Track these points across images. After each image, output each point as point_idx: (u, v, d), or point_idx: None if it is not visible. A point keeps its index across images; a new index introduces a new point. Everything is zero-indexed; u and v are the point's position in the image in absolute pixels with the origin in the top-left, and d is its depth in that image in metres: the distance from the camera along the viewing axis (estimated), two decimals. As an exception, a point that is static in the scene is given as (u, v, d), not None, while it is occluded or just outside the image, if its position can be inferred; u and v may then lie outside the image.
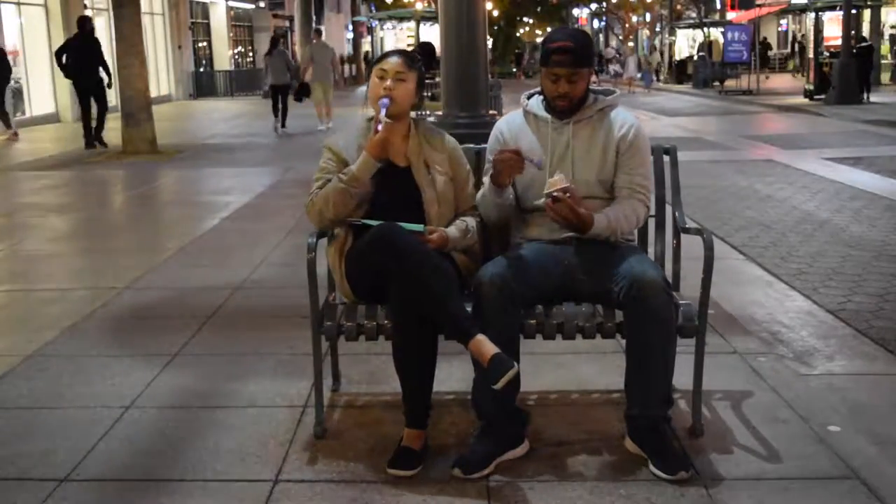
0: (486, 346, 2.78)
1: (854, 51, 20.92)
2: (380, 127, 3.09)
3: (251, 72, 29.58)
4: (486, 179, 3.22)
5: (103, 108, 14.06)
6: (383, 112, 3.12)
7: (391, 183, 3.18)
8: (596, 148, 3.17)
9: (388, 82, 3.16)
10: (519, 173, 3.06)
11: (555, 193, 2.96)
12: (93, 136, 13.83)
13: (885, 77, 26.94)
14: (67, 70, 13.45)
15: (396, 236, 2.92)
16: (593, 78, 3.21)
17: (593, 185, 3.17)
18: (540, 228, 3.22)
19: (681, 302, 3.06)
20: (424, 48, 8.66)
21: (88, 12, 21.99)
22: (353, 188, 3.09)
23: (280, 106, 16.45)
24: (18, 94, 19.14)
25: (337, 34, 45.45)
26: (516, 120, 3.33)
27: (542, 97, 3.26)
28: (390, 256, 2.89)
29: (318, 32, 18.62)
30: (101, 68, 13.87)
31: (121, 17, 13.03)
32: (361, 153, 3.16)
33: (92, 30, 14.04)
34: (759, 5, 37.07)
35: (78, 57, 13.55)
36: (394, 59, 3.21)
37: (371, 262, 2.98)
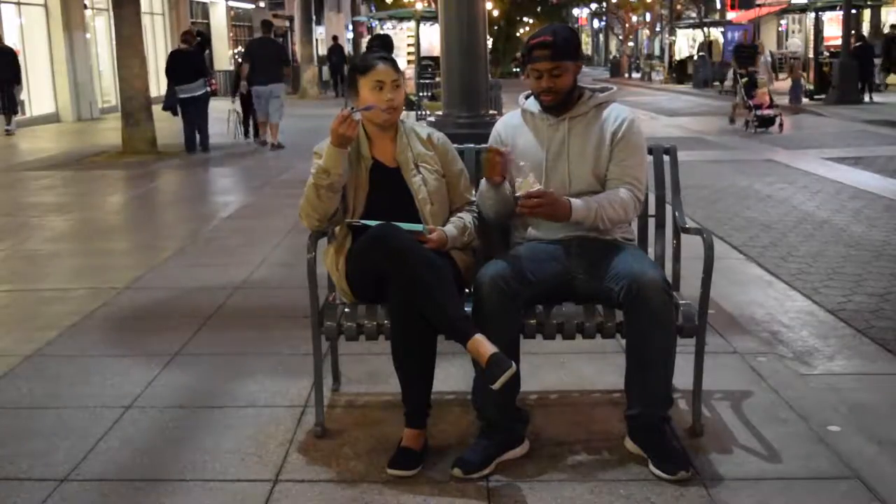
0: (485, 346, 2.77)
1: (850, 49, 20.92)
2: (356, 116, 3.05)
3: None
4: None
5: None
6: (358, 116, 3.09)
7: (384, 184, 3.19)
8: (591, 143, 3.17)
9: (389, 94, 3.16)
10: (505, 172, 3.07)
11: (530, 192, 2.95)
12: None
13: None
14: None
15: (394, 236, 2.92)
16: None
17: (589, 181, 3.17)
18: (540, 229, 3.22)
19: (681, 302, 3.06)
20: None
21: (88, 13, 22.06)
22: (323, 182, 3.06)
23: None
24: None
25: (337, 34, 45.47)
26: (514, 120, 3.33)
27: (537, 99, 3.26)
28: (388, 257, 2.89)
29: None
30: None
31: (121, 17, 13.04)
32: (362, 154, 3.18)
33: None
34: (759, 5, 37.08)
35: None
36: (385, 67, 3.18)
37: (370, 262, 2.98)
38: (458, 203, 3.31)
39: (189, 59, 12.90)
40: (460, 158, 3.39)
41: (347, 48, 42.48)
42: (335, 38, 31.41)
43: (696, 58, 32.57)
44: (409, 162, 3.22)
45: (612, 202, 3.10)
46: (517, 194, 2.98)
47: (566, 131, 3.19)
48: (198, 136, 13.08)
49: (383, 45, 3.55)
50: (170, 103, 13.12)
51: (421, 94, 17.25)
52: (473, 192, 3.36)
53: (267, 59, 13.23)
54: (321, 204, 3.10)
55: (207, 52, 13.68)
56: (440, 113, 4.86)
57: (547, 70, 3.10)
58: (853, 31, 23.31)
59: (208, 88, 12.94)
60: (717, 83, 28.64)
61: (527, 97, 3.32)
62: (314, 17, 33.21)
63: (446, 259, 3.09)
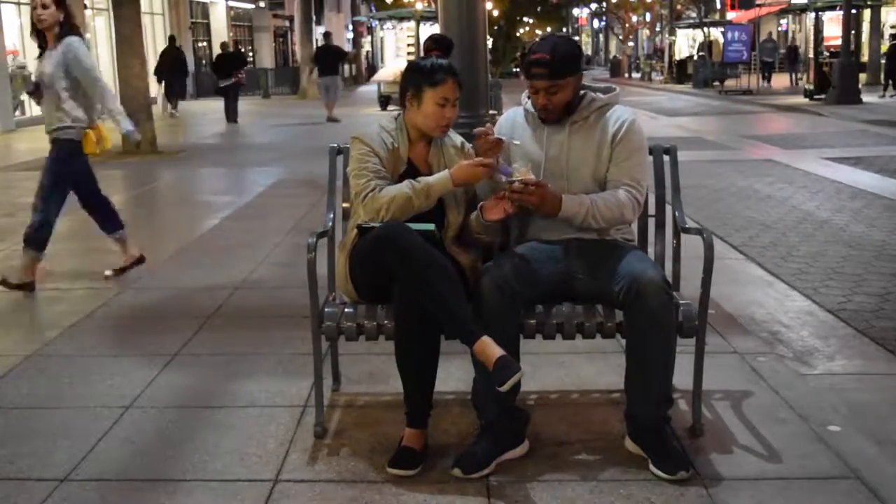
0: (492, 348, 2.77)
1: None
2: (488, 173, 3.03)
3: (251, 72, 29.65)
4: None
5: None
6: (504, 174, 3.04)
7: None
8: (591, 146, 3.17)
9: (449, 113, 3.15)
10: (496, 153, 3.08)
11: (524, 179, 2.96)
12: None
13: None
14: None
15: (403, 236, 2.91)
16: None
17: (587, 184, 3.16)
18: (540, 228, 3.22)
19: (681, 302, 3.06)
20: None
21: (88, 13, 22.04)
22: (419, 202, 3.03)
23: None
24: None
25: (337, 34, 45.43)
26: (517, 117, 3.33)
27: None
28: (395, 256, 2.88)
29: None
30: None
31: (121, 17, 13.05)
32: (403, 156, 3.18)
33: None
34: (759, 5, 37.12)
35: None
36: (454, 85, 3.14)
37: (376, 261, 2.97)
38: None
39: (227, 60, 19.40)
40: None
41: (348, 48, 42.80)
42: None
43: (696, 58, 32.55)
44: (441, 168, 3.20)
45: (607, 201, 3.10)
46: (509, 179, 2.98)
47: (566, 135, 3.18)
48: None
49: (444, 48, 3.31)
50: (215, 89, 19.83)
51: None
52: None
53: (328, 59, 19.53)
54: (403, 216, 3.05)
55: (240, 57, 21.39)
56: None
57: (544, 88, 3.09)
58: (852, 32, 23.29)
59: (235, 79, 19.03)
60: (716, 83, 28.65)
61: (528, 97, 3.31)
62: (314, 17, 33.20)
63: (452, 261, 3.08)
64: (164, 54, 21.54)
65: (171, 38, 22.15)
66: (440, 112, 3.14)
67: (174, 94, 21.72)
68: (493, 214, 3.05)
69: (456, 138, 3.34)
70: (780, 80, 29.52)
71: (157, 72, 20.97)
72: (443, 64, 3.19)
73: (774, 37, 35.12)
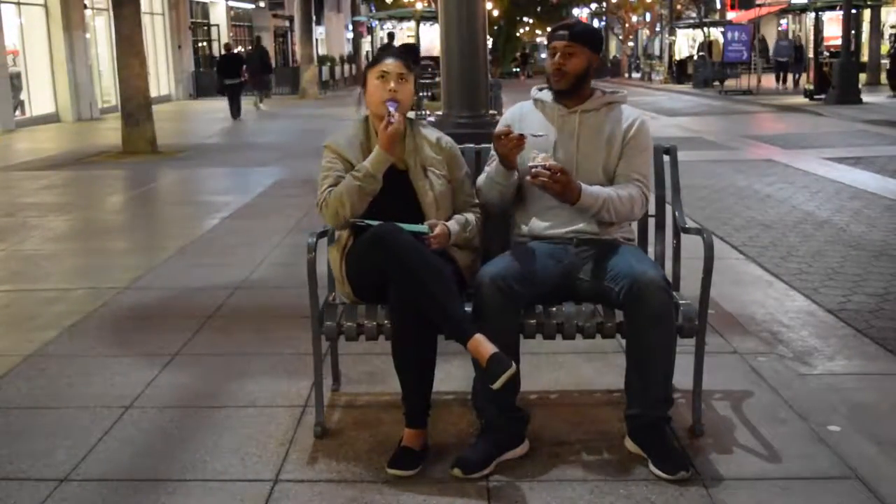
0: (485, 345, 2.78)
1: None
2: (393, 120, 3.06)
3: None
4: (490, 165, 3.24)
5: None
6: (393, 109, 3.09)
7: (390, 186, 3.16)
8: (601, 138, 3.19)
9: (392, 84, 3.16)
10: (520, 151, 3.09)
11: (548, 165, 2.99)
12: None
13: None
14: None
15: (396, 237, 2.92)
16: None
17: (597, 175, 3.18)
18: (540, 224, 3.22)
19: (681, 302, 3.06)
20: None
21: (88, 12, 22.07)
22: (367, 185, 3.08)
23: None
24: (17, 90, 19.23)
25: (337, 34, 45.43)
26: (525, 108, 3.37)
27: (550, 90, 3.29)
28: (389, 257, 2.89)
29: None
30: None
31: (121, 17, 13.04)
32: (372, 150, 3.15)
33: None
34: (759, 5, 37.09)
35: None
36: (393, 60, 3.19)
37: (371, 262, 2.98)
38: (462, 207, 3.30)
39: (233, 60, 20.78)
40: (465, 163, 3.39)
41: (348, 48, 42.66)
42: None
43: (696, 58, 32.53)
44: (417, 165, 3.21)
45: (621, 196, 3.13)
46: (532, 163, 3.01)
47: (577, 124, 3.21)
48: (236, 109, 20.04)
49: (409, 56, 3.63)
50: (220, 87, 20.76)
51: (421, 93, 17.30)
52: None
53: None
54: (360, 206, 3.09)
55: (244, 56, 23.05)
56: (440, 113, 4.86)
57: (561, 48, 3.17)
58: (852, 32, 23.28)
59: (242, 78, 20.42)
60: (716, 83, 28.63)
61: (540, 89, 3.34)
62: (314, 17, 33.21)
63: (447, 259, 3.09)
64: (251, 53, 24.42)
65: (258, 39, 25.41)
66: (381, 86, 3.17)
67: (260, 88, 24.26)
68: None
69: (431, 134, 3.33)
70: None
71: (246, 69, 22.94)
72: (387, 50, 3.29)
73: (774, 38, 34.93)
